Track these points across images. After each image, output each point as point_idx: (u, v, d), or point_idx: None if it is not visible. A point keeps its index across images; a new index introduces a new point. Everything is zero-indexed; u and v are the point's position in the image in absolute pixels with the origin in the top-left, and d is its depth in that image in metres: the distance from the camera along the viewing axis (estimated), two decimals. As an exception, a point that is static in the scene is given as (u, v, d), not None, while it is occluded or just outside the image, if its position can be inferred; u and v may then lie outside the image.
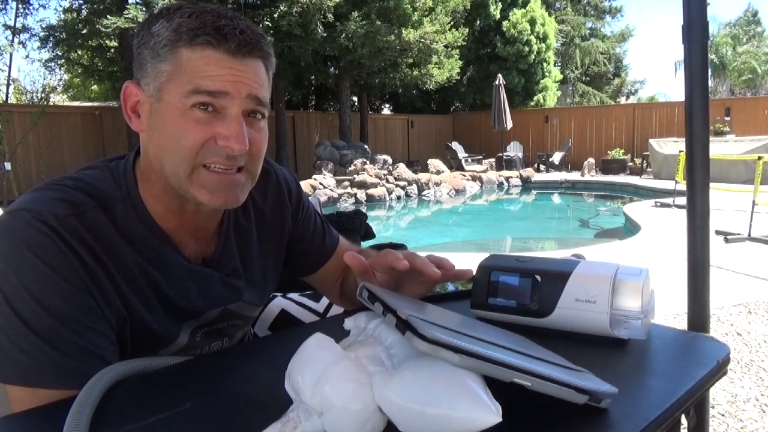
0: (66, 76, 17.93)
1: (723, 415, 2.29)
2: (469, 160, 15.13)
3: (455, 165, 14.98)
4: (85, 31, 11.49)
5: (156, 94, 0.73)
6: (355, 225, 1.98)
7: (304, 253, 1.04)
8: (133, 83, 0.77)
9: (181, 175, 0.74)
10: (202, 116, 0.72)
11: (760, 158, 6.11)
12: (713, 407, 2.34)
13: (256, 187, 0.87)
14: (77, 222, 0.71)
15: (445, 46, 14.17)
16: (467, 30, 15.61)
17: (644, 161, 14.14)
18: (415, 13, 13.18)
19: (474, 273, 0.83)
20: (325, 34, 11.68)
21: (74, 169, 0.81)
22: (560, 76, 21.35)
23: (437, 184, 12.22)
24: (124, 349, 0.77)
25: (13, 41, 12.81)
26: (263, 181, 0.95)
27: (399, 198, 11.50)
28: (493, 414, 0.46)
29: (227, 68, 0.72)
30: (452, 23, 14.70)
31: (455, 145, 15.72)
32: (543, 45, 18.53)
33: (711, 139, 1.61)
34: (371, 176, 11.46)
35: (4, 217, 0.70)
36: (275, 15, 10.92)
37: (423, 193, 11.94)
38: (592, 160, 14.92)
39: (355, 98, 17.64)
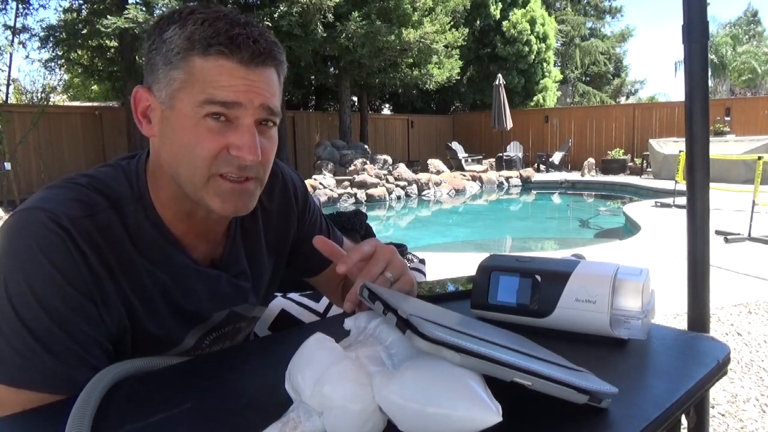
0: (66, 76, 17.91)
1: (723, 415, 2.29)
2: (469, 160, 15.12)
3: (455, 165, 14.97)
4: (85, 31, 11.48)
5: (168, 102, 0.73)
6: (355, 225, 1.98)
7: (309, 254, 1.03)
8: (144, 88, 0.76)
9: (197, 183, 0.74)
10: (214, 126, 0.72)
11: (760, 158, 6.11)
12: (713, 407, 2.34)
13: (263, 187, 0.87)
14: (90, 224, 0.71)
15: (445, 46, 14.17)
16: (467, 30, 15.61)
17: (644, 161, 14.14)
18: (415, 13, 13.18)
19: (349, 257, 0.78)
20: (325, 34, 11.68)
21: (74, 169, 0.81)
22: (560, 76, 21.35)
23: (437, 184, 12.21)
24: (125, 356, 0.76)
25: (13, 41, 12.80)
26: (270, 181, 0.94)
27: (399, 198, 11.50)
28: (494, 413, 0.46)
29: (240, 78, 0.71)
30: (452, 23, 14.69)
31: (455, 145, 15.71)
32: (543, 45, 18.53)
33: (711, 139, 1.61)
34: (371, 176, 11.46)
35: (19, 215, 0.70)
36: (275, 15, 10.92)
37: (423, 193, 11.94)
38: (592, 160, 14.92)
39: (355, 98, 17.64)
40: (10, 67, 14.75)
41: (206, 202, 0.75)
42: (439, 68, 14.80)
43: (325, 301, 1.34)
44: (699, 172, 1.24)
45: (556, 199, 12.71)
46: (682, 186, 4.42)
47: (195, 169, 0.73)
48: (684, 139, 1.28)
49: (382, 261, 0.78)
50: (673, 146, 12.48)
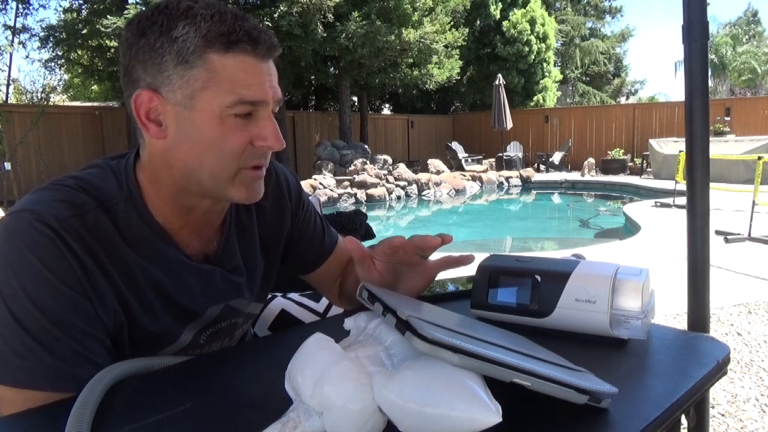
0: (66, 76, 17.93)
1: (723, 415, 2.29)
2: (469, 160, 15.12)
3: (455, 165, 14.98)
4: (85, 31, 11.49)
5: (187, 102, 0.72)
6: (355, 225, 1.98)
7: (303, 251, 1.04)
8: (148, 90, 0.73)
9: (224, 177, 0.76)
10: (240, 122, 0.74)
11: (760, 158, 6.10)
12: (713, 407, 2.34)
13: None
14: (78, 223, 0.71)
15: (445, 46, 14.17)
16: (467, 30, 15.61)
17: (644, 161, 14.13)
18: (415, 13, 13.17)
19: (474, 259, 0.84)
20: (325, 34, 11.68)
21: (74, 169, 0.81)
22: (560, 76, 21.35)
23: (437, 184, 12.21)
24: (122, 352, 0.77)
25: (13, 41, 12.81)
26: (264, 178, 0.95)
27: (399, 198, 11.49)
28: (493, 414, 0.46)
29: (260, 74, 0.74)
30: (452, 23, 14.69)
31: (455, 145, 15.72)
32: (543, 45, 18.53)
33: (711, 139, 1.61)
34: (371, 176, 11.46)
35: (7, 218, 0.70)
36: (275, 15, 10.92)
37: (423, 193, 11.94)
38: (592, 160, 14.92)
39: (355, 98, 17.63)
40: (10, 67, 14.78)
41: (230, 194, 0.78)
42: (439, 68, 14.79)
43: (325, 301, 1.34)
44: (699, 172, 1.24)
45: (556, 199, 12.70)
46: (682, 186, 4.43)
47: (223, 165, 0.75)
48: (684, 139, 1.28)
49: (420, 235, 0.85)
50: (673, 146, 12.48)
